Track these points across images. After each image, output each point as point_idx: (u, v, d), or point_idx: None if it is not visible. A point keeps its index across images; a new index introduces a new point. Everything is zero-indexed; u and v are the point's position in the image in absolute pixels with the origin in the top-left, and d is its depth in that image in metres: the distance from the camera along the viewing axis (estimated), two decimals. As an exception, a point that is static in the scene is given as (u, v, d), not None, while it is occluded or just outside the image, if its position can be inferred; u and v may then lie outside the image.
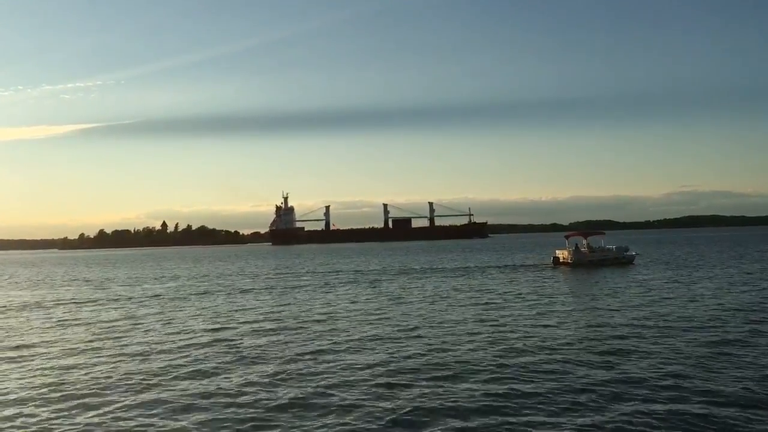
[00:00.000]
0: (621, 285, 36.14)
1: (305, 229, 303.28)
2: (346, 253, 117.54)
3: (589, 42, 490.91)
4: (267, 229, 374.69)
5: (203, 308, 31.10)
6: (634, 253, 56.23)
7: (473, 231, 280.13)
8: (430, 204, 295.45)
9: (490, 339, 19.51)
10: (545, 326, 21.74)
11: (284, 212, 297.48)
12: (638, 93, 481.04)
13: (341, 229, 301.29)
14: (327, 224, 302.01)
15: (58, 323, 26.79)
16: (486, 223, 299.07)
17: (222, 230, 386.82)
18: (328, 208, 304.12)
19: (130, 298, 37.94)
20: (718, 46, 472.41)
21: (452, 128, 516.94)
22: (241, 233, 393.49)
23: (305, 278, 51.36)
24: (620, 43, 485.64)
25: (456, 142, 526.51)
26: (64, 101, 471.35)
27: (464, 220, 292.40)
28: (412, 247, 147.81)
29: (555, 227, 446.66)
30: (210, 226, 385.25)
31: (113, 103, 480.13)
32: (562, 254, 55.41)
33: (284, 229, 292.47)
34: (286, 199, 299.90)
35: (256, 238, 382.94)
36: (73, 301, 37.85)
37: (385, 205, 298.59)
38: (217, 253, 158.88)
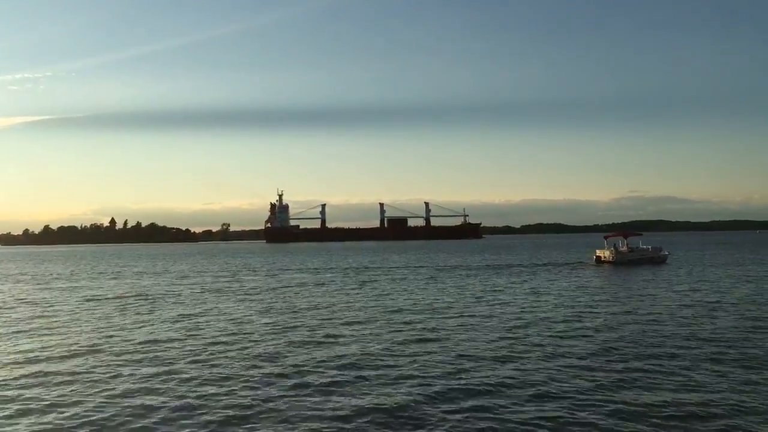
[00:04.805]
0: (666, 280, 42.59)
1: (300, 227, 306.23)
2: (396, 252, 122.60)
3: (541, 48, 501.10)
4: (219, 227, 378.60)
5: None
6: (667, 253, 62.82)
7: (468, 231, 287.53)
8: (426, 204, 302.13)
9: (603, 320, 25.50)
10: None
11: (279, 210, 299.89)
12: (589, 98, 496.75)
13: (337, 227, 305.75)
14: (323, 222, 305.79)
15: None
16: (480, 224, 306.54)
17: (173, 228, 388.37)
18: (323, 206, 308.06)
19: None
20: (670, 54, 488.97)
21: (422, 128, 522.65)
22: (192, 231, 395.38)
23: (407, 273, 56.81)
24: (573, 49, 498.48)
25: (426, 142, 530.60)
26: (11, 92, 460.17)
27: (458, 221, 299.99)
28: (441, 247, 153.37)
29: (508, 229, 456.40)
30: (160, 224, 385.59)
31: (63, 96, 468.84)
32: (603, 254, 61.72)
33: (279, 227, 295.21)
34: (281, 196, 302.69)
35: (207, 236, 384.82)
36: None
37: (381, 204, 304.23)
38: (216, 251, 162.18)
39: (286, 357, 18.16)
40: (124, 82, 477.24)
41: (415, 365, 16.72)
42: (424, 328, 22.97)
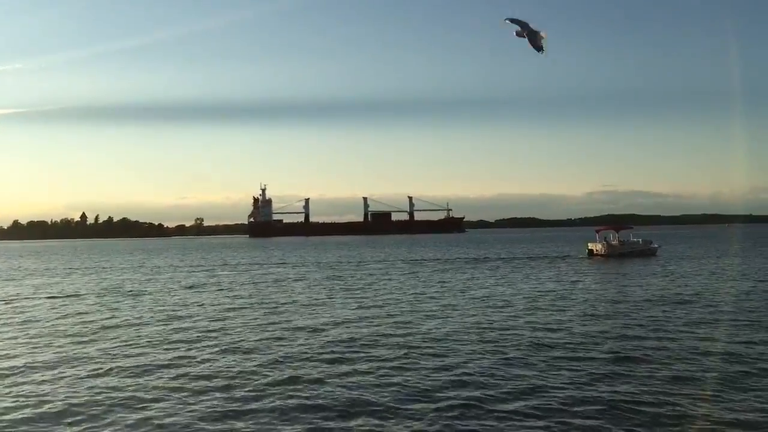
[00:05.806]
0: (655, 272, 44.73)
1: (283, 222, 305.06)
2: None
3: (516, 46, 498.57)
4: (192, 222, 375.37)
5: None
6: (656, 246, 65.14)
7: (451, 225, 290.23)
8: (410, 198, 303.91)
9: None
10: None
11: (262, 204, 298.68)
12: (562, 95, 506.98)
13: (321, 221, 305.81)
14: (306, 217, 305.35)
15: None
16: (463, 218, 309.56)
17: (145, 223, 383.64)
18: (307, 200, 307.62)
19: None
20: (642, 51, 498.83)
21: (405, 122, 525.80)
22: (165, 226, 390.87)
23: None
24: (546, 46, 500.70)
25: (408, 136, 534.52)
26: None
27: (441, 215, 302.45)
28: (427, 241, 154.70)
29: (483, 224, 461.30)
30: (133, 219, 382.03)
31: (32, 89, 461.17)
32: (595, 247, 63.84)
33: (262, 222, 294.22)
34: (264, 191, 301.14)
35: (180, 231, 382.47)
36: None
37: (365, 199, 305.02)
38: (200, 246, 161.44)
39: (269, 354, 18.25)
40: (96, 76, 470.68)
41: (406, 361, 16.96)
42: (420, 327, 22.48)
